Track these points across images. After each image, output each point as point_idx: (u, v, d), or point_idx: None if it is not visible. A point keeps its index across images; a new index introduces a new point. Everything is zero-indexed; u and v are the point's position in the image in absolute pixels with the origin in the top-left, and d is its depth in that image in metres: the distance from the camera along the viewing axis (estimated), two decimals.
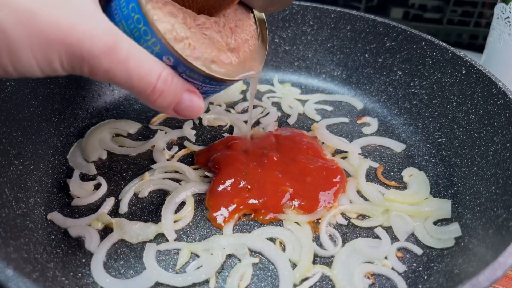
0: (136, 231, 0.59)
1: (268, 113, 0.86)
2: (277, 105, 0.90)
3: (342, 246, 0.60)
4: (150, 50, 0.43)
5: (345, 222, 0.63)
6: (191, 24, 0.46)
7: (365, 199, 0.67)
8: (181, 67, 0.44)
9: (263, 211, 0.63)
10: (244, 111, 0.87)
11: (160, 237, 0.60)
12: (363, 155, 0.76)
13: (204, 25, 0.48)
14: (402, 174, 0.73)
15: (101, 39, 0.38)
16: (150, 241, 0.59)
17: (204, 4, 0.52)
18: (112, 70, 0.40)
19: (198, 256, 0.57)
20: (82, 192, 0.66)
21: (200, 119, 0.84)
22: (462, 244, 0.59)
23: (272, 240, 0.60)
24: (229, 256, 0.58)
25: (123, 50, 0.39)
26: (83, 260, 0.56)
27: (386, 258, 0.58)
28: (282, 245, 0.60)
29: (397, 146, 0.79)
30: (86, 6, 0.39)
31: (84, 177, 0.69)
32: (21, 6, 0.35)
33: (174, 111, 0.47)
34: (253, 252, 0.59)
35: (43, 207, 0.63)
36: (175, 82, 0.44)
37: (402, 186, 0.70)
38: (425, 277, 0.56)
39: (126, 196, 0.65)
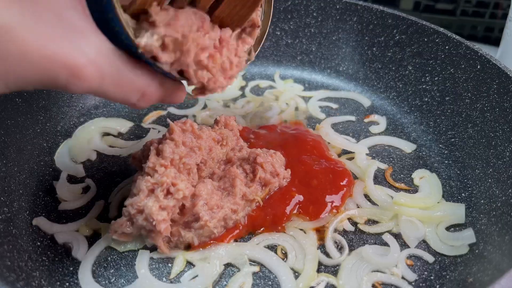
0: None
1: (270, 107, 0.87)
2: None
3: (349, 253, 0.60)
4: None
5: (352, 229, 0.63)
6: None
7: (373, 203, 0.67)
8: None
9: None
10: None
11: (153, 244, 0.60)
12: (371, 155, 0.76)
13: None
14: (412, 176, 0.73)
15: (82, 72, 0.38)
16: (143, 247, 0.59)
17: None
18: (88, 93, 0.41)
19: (193, 265, 0.57)
20: (70, 195, 0.66)
21: (195, 117, 0.84)
22: (477, 251, 0.59)
23: (273, 247, 0.60)
24: (227, 264, 0.58)
25: (106, 78, 0.40)
26: (71, 269, 0.56)
27: (395, 266, 0.58)
28: (284, 252, 0.60)
29: (407, 146, 0.79)
30: (75, 22, 0.38)
31: (72, 180, 0.69)
32: None
33: None
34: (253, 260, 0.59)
35: (27, 212, 0.63)
36: (156, 96, 0.46)
37: (413, 189, 0.71)
38: (437, 286, 0.56)
39: (116, 200, 0.65)
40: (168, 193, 0.54)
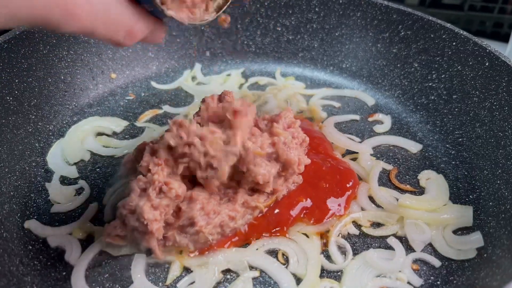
0: None
1: (268, 99, 0.87)
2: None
3: (352, 258, 0.60)
4: None
5: (356, 232, 0.63)
6: None
7: (378, 205, 0.67)
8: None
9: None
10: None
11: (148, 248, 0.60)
12: (375, 156, 0.76)
13: None
14: (418, 177, 0.73)
15: (76, 11, 0.39)
16: (139, 251, 0.59)
17: None
18: (78, 33, 0.42)
19: (191, 271, 0.57)
20: (63, 197, 0.66)
21: (187, 116, 0.84)
22: (485, 255, 0.59)
23: (274, 251, 0.60)
24: (226, 270, 0.58)
25: (98, 17, 0.41)
26: (64, 273, 0.56)
27: (400, 271, 0.58)
28: (285, 257, 0.60)
29: (413, 147, 0.79)
30: None
31: (65, 181, 0.69)
32: None
33: None
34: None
35: (19, 214, 0.63)
36: (140, 33, 0.47)
37: (419, 190, 0.70)
38: None
39: (111, 202, 0.65)
40: (160, 192, 0.54)
